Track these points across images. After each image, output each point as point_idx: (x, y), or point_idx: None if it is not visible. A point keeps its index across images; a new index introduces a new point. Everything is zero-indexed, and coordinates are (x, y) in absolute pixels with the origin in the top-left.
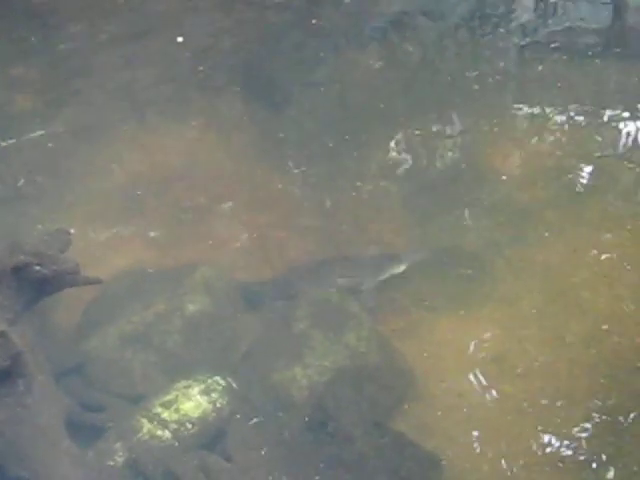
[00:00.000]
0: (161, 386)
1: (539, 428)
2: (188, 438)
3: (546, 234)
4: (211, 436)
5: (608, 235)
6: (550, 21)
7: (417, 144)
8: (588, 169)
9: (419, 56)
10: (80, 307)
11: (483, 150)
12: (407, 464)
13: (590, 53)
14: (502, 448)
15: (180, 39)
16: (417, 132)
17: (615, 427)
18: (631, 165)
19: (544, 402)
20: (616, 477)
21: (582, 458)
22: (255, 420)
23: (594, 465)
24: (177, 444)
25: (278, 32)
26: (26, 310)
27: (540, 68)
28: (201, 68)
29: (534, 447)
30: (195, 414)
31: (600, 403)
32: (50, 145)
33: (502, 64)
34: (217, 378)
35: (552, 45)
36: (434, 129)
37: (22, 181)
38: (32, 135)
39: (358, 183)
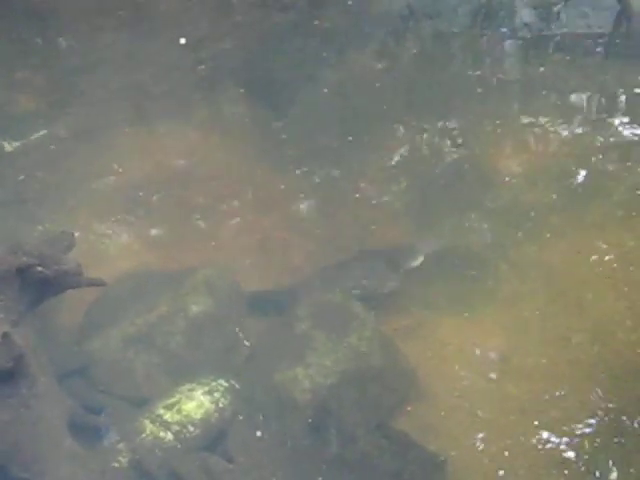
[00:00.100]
0: (164, 388)
1: (542, 429)
2: (191, 440)
3: (549, 235)
4: (213, 437)
5: (611, 236)
6: (552, 22)
7: (420, 145)
8: (591, 170)
9: (421, 57)
10: (83, 308)
11: (486, 151)
12: (410, 465)
13: (593, 54)
14: (505, 449)
15: (183, 40)
16: (419, 133)
17: (618, 428)
18: (633, 167)
19: (547, 403)
20: (620, 478)
21: (585, 459)
22: (257, 421)
23: (597, 466)
24: (180, 446)
25: (281, 33)
26: (29, 311)
27: (542, 69)
28: (203, 68)
29: (537, 448)
30: (198, 415)
31: (603, 404)
32: (52, 146)
33: (504, 65)
34: (220, 380)
35: (554, 46)
36: (437, 130)
37: (25, 182)
38: (34, 136)
39: (361, 184)
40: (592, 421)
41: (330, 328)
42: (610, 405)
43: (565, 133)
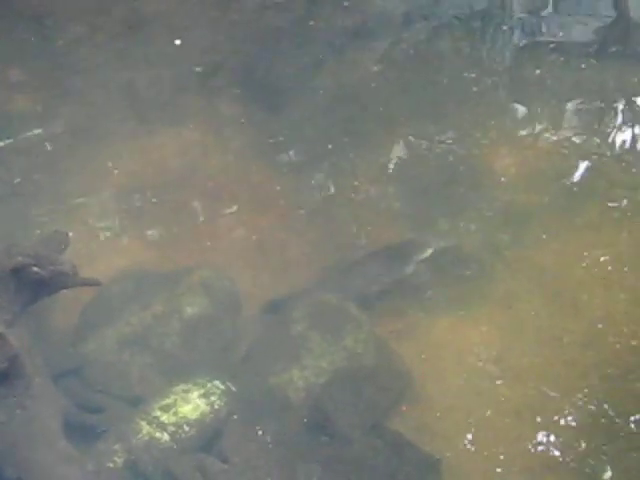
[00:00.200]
0: (159, 388)
1: (537, 430)
2: (186, 440)
3: (544, 236)
4: (209, 438)
5: (606, 237)
6: (548, 24)
7: (416, 146)
8: (586, 171)
9: (417, 58)
10: (78, 309)
11: (481, 152)
12: (405, 465)
13: (589, 56)
14: (500, 449)
15: (178, 42)
16: (416, 134)
17: (612, 429)
18: (629, 167)
19: (542, 404)
20: (613, 478)
21: (580, 460)
22: (253, 422)
23: (592, 467)
24: (175, 446)
25: (277, 34)
26: (24, 312)
27: (538, 71)
28: (199, 69)
29: (532, 449)
30: (193, 416)
31: (597, 405)
32: (48, 145)
33: (500, 66)
34: (216, 382)
35: (550, 46)
36: (432, 131)
37: (20, 181)
38: (30, 135)
39: (357, 185)
40: (587, 422)
41: (325, 329)
42: (605, 406)
43: (560, 134)
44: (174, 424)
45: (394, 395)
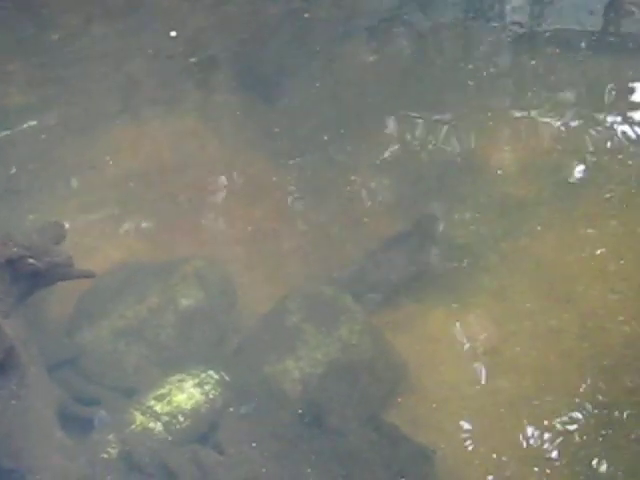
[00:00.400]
0: (154, 379)
1: (531, 421)
2: (181, 431)
3: (539, 228)
4: (204, 429)
5: (601, 229)
6: (544, 16)
7: (411, 138)
8: (581, 163)
9: (413, 50)
10: (73, 300)
11: (477, 144)
12: (400, 457)
13: (585, 48)
14: (495, 441)
15: (173, 33)
16: (412, 126)
17: (607, 421)
18: (624, 160)
19: (536, 395)
20: (608, 471)
21: (574, 451)
22: (247, 413)
23: (586, 459)
24: (170, 437)
25: (272, 25)
26: (19, 303)
27: (533, 63)
28: (194, 60)
29: (526, 440)
30: (188, 407)
31: (592, 397)
32: (43, 137)
33: (496, 59)
34: (210, 372)
35: (546, 40)
36: (428, 123)
37: (15, 174)
38: (25, 127)
39: (352, 177)
40: (581, 414)
41: (320, 321)
42: (599, 398)
43: (556, 126)
44: (168, 414)
45: (389, 387)
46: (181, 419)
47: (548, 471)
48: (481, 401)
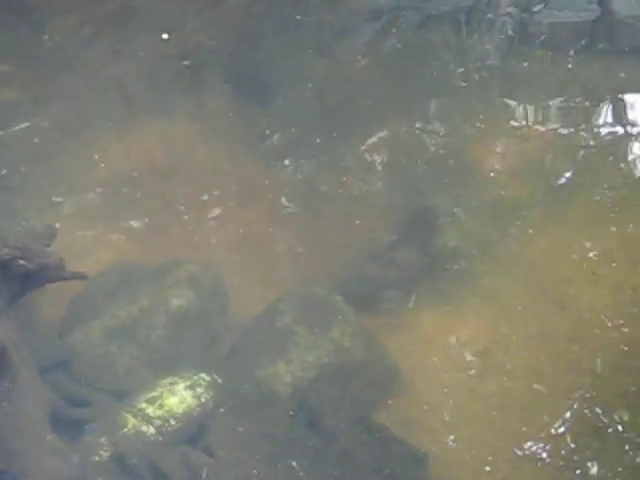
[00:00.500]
0: (146, 381)
1: (523, 424)
2: (172, 433)
3: (531, 231)
4: (195, 431)
5: (593, 232)
6: (536, 17)
7: (404, 140)
8: (574, 166)
9: (405, 52)
10: (65, 301)
11: (469, 147)
12: (392, 459)
13: (576, 49)
14: (487, 443)
15: (165, 36)
16: (404, 128)
17: (598, 424)
18: (616, 162)
19: (528, 398)
20: (599, 474)
21: (566, 454)
22: (239, 415)
23: (578, 461)
24: (161, 439)
25: (263, 27)
26: (10, 304)
27: (525, 65)
28: (187, 63)
29: (518, 443)
30: (179, 409)
31: (584, 400)
32: (35, 139)
33: (488, 60)
34: (202, 374)
35: (538, 40)
36: (421, 125)
37: (7, 175)
38: (17, 129)
39: (344, 179)
40: (573, 417)
41: (312, 323)
42: (591, 401)
43: (548, 129)
44: (160, 417)
45: (381, 389)
46: (173, 422)
47: (540, 474)
48: (472, 403)
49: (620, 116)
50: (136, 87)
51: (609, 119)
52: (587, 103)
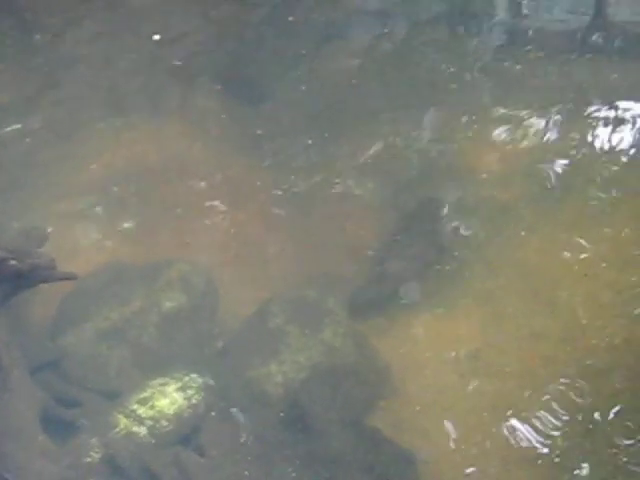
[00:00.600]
0: (137, 382)
1: (514, 425)
2: (164, 434)
3: (523, 233)
4: (187, 432)
5: (584, 233)
6: (528, 18)
7: (395, 141)
8: (565, 168)
9: (397, 53)
10: (56, 302)
11: (461, 148)
12: (383, 460)
13: (569, 51)
14: (478, 445)
15: (157, 37)
16: (395, 129)
17: (590, 425)
18: (607, 164)
19: (519, 399)
20: (590, 475)
21: (557, 456)
22: (230, 416)
23: (568, 463)
24: (153, 440)
25: (256, 28)
26: (2, 305)
27: (518, 66)
28: (179, 63)
29: (509, 444)
30: (171, 410)
31: (574, 401)
32: (27, 140)
33: (480, 62)
34: (194, 375)
35: (530, 43)
36: (412, 126)
37: None
38: (9, 130)
39: (336, 179)
40: (564, 418)
41: (304, 324)
42: (582, 402)
43: (541, 130)
44: (151, 418)
45: (372, 390)
46: (164, 423)
47: (530, 475)
48: (464, 405)
49: (611, 118)
50: (128, 88)
51: (601, 121)
52: (579, 105)
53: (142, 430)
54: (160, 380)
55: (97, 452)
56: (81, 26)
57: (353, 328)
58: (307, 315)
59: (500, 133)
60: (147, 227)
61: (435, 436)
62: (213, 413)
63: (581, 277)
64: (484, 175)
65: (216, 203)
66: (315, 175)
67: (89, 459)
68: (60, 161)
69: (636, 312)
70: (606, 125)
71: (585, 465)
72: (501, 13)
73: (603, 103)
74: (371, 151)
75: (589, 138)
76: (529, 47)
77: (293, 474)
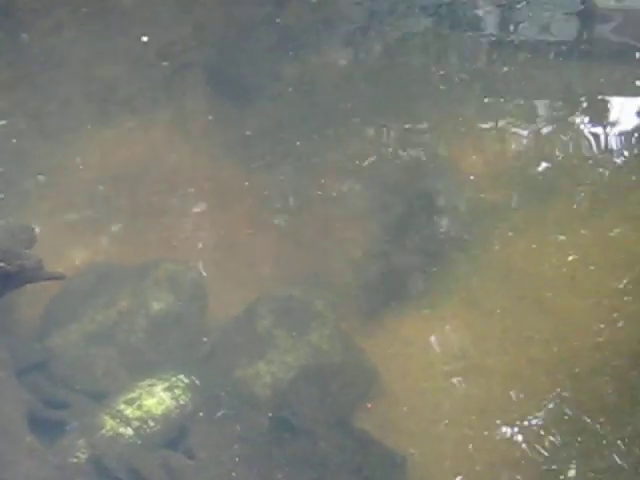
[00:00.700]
0: (124, 383)
1: (502, 427)
2: (151, 435)
3: (510, 233)
4: (174, 433)
5: (571, 235)
6: (516, 22)
7: (384, 144)
8: (553, 169)
9: (386, 55)
10: (43, 303)
11: (449, 150)
12: (370, 462)
13: (556, 53)
14: (465, 446)
15: (145, 39)
16: (383, 131)
17: (577, 426)
18: (595, 165)
19: (507, 401)
20: (578, 476)
21: (545, 458)
22: (218, 417)
23: (557, 465)
24: (140, 441)
25: (244, 29)
26: None
27: (505, 69)
28: (167, 64)
29: (497, 446)
30: (158, 411)
31: (562, 403)
32: (14, 140)
33: (468, 65)
34: (181, 376)
35: (518, 46)
36: (400, 127)
37: None
38: None
39: (324, 181)
40: (552, 420)
41: (292, 325)
42: (570, 404)
43: (527, 132)
44: (138, 419)
45: (360, 391)
46: (151, 424)
47: (519, 477)
48: (452, 406)
49: (598, 120)
50: (116, 89)
51: (588, 122)
52: (567, 106)
53: (129, 431)
54: (147, 381)
55: (84, 453)
56: (69, 27)
57: (340, 329)
58: (295, 316)
59: (488, 135)
60: (135, 227)
61: (422, 438)
62: (201, 414)
63: (568, 279)
64: (472, 177)
65: (204, 204)
66: (303, 176)
67: (76, 460)
68: (47, 161)
69: (623, 314)
70: (593, 127)
71: (573, 466)
72: (489, 16)
73: (590, 105)
74: (360, 153)
75: (576, 140)
76: (516, 48)
77: (280, 475)
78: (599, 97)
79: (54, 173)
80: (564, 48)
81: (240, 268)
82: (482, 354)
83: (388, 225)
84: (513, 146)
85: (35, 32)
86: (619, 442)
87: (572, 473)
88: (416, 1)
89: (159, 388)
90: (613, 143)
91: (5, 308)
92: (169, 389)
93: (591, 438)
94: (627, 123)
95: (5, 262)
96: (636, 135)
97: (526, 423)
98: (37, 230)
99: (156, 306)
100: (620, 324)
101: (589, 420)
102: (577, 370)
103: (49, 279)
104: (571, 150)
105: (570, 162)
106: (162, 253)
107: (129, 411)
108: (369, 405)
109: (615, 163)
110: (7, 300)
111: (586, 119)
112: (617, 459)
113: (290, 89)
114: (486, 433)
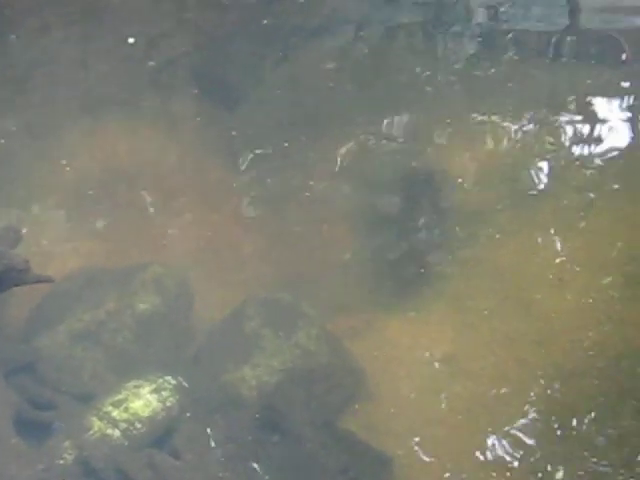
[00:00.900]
0: (111, 385)
1: (489, 428)
2: (138, 437)
3: (498, 236)
4: (161, 435)
5: (559, 237)
6: (503, 22)
7: (371, 144)
8: (540, 171)
9: (373, 56)
10: (30, 304)
11: (436, 151)
12: (357, 463)
13: (543, 55)
14: (452, 448)
15: (131, 40)
16: (371, 132)
17: (565, 427)
18: (582, 167)
19: (494, 402)
20: (565, 478)
21: (531, 459)
22: (204, 419)
23: (543, 466)
24: (127, 443)
25: (231, 31)
26: None
27: (492, 70)
28: (154, 65)
29: (484, 447)
30: (145, 413)
31: (549, 404)
32: (1, 141)
33: (455, 66)
34: (168, 378)
35: (505, 47)
36: (388, 130)
37: None
38: None
39: (311, 183)
40: (539, 420)
41: (278, 327)
42: (557, 405)
43: (515, 134)
44: (125, 420)
45: (346, 393)
46: (138, 425)
47: (505, 478)
48: (438, 408)
49: (585, 122)
50: (102, 90)
51: (575, 125)
52: (554, 109)
53: (116, 432)
54: (134, 382)
55: (71, 454)
56: (57, 28)
57: (327, 331)
58: (281, 318)
59: (475, 136)
60: (122, 230)
61: (409, 439)
62: (188, 414)
63: (556, 280)
64: (459, 179)
65: (191, 206)
66: (291, 178)
67: (63, 461)
68: (34, 163)
69: (610, 315)
70: (581, 128)
71: (560, 468)
72: (476, 17)
73: (577, 107)
74: (347, 154)
75: (564, 142)
76: (503, 52)
77: (267, 476)
78: (585, 100)
79: (41, 174)
80: (551, 49)
81: (227, 269)
82: (469, 355)
83: (375, 227)
84: (501, 147)
85: (23, 33)
86: (606, 443)
87: (559, 474)
88: (402, 5)
89: (146, 390)
90: (601, 144)
91: None
92: (156, 391)
93: (578, 439)
94: (614, 124)
95: None
96: (623, 136)
97: (513, 424)
98: (24, 232)
99: (143, 307)
100: (607, 325)
101: (576, 421)
102: (564, 371)
103: (36, 281)
104: (559, 151)
105: (558, 163)
106: (149, 255)
107: (116, 413)
108: (356, 407)
109: (603, 164)
110: None
111: (574, 120)
112: (604, 460)
113: (277, 90)
114: (473, 434)
